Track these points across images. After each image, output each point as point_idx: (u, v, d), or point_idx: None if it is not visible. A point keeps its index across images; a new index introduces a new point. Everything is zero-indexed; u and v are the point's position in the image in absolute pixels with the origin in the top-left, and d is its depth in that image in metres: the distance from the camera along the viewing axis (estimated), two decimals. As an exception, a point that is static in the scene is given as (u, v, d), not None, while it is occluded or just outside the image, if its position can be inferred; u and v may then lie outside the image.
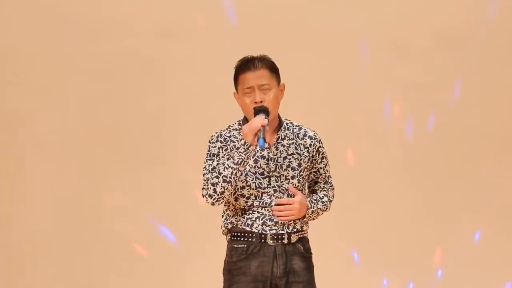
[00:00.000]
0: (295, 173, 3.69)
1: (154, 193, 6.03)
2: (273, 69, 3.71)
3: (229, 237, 3.72)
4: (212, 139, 3.71)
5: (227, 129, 3.75)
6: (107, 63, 6.01)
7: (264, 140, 3.49)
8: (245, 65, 3.68)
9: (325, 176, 3.83)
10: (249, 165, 3.65)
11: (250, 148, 3.55)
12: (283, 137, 3.73)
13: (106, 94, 6.03)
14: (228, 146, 3.68)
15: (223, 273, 3.74)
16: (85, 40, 6.01)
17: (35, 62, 6.03)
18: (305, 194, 3.76)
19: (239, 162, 3.56)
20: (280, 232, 3.66)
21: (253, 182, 3.65)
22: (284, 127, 3.76)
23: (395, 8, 6.06)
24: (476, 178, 6.07)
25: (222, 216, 3.77)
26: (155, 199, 6.04)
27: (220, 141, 3.69)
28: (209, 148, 3.69)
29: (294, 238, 3.69)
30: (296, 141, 3.75)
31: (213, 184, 3.57)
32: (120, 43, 5.99)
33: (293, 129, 3.78)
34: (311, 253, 3.76)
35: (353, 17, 6.03)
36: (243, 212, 3.68)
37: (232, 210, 3.72)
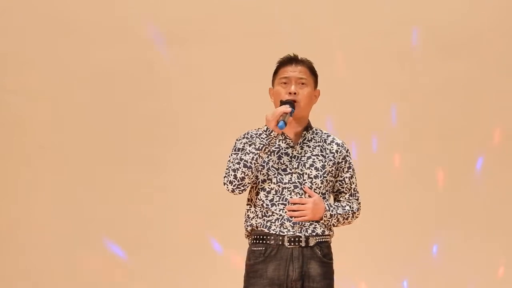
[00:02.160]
0: (318, 173, 3.67)
1: (154, 194, 6.02)
2: (313, 72, 3.76)
3: (250, 240, 3.71)
4: (240, 136, 3.76)
5: (256, 129, 3.76)
6: (108, 67, 6.03)
7: (285, 124, 3.54)
8: (288, 60, 3.74)
9: (351, 187, 3.78)
10: (272, 161, 3.66)
11: (272, 134, 3.57)
12: (309, 138, 3.74)
13: (107, 98, 6.05)
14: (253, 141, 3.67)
15: (244, 276, 3.72)
16: (87, 44, 6.04)
17: (37, 67, 6.06)
18: (328, 201, 3.71)
19: (260, 148, 3.57)
20: (298, 234, 3.62)
21: (275, 177, 3.64)
22: (313, 131, 3.77)
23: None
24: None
25: (244, 218, 3.76)
26: (155, 201, 6.03)
27: (247, 138, 3.72)
28: (235, 144, 3.73)
29: (312, 242, 3.63)
30: (322, 145, 3.75)
31: (234, 170, 3.60)
32: (122, 47, 6.02)
33: (321, 135, 3.79)
34: (331, 259, 3.70)
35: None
36: (263, 214, 3.65)
37: (252, 211, 3.70)
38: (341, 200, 3.78)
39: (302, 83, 3.69)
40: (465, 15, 6.02)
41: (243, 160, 3.58)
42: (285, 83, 3.69)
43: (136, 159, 6.03)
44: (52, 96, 6.03)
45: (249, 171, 3.58)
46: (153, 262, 6.02)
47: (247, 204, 3.74)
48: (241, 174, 3.58)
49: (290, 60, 3.72)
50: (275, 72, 3.75)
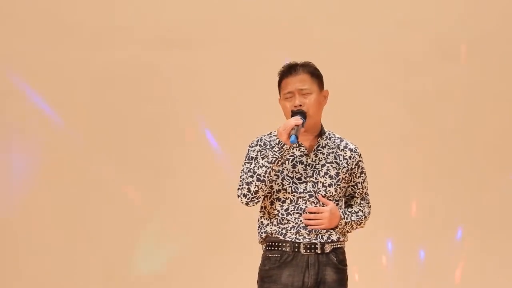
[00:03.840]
0: (332, 181, 3.67)
1: (154, 197, 6.03)
2: (315, 75, 3.71)
3: (264, 247, 3.71)
4: (252, 143, 3.73)
5: (268, 134, 3.75)
6: (108, 71, 6.02)
7: (297, 138, 3.51)
8: (287, 71, 3.70)
9: (362, 192, 3.80)
10: (287, 169, 3.65)
11: (284, 147, 3.55)
12: (323, 145, 3.73)
13: (107, 101, 6.04)
14: (267, 150, 3.66)
15: (257, 282, 3.72)
16: (87, 48, 6.03)
17: (36, 69, 6.03)
18: (341, 206, 3.72)
19: (272, 161, 3.56)
20: (314, 241, 3.63)
21: (289, 186, 3.64)
22: (326, 137, 3.75)
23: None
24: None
25: (257, 224, 3.75)
26: (155, 203, 6.04)
27: (260, 145, 3.70)
28: (248, 151, 3.71)
29: (327, 248, 3.64)
30: (336, 151, 3.74)
31: (247, 184, 3.59)
32: (121, 51, 6.01)
33: (334, 139, 3.77)
34: (345, 265, 3.71)
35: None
36: (278, 222, 3.66)
37: (266, 218, 3.70)
38: (352, 205, 3.79)
39: (306, 93, 3.66)
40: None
41: (256, 174, 3.56)
42: (289, 97, 3.67)
43: (136, 162, 6.02)
44: (51, 99, 6.02)
45: (262, 184, 3.57)
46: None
47: (260, 211, 3.73)
48: (255, 188, 3.58)
49: (289, 70, 3.69)
50: (279, 84, 3.72)
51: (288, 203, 3.64)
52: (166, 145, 6.05)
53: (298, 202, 3.64)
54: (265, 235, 3.68)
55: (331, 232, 3.65)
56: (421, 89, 6.06)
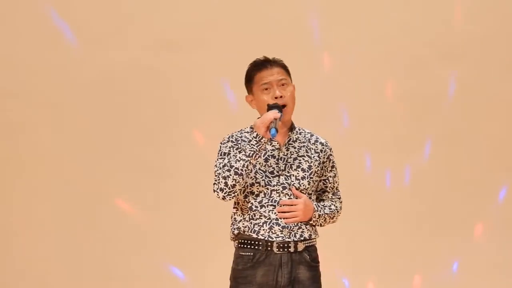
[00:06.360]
0: (305, 174, 3.67)
1: (155, 199, 6.02)
2: (287, 69, 3.74)
3: (236, 244, 3.69)
4: (224, 140, 3.72)
5: (239, 131, 3.75)
6: (107, 74, 6.00)
7: (276, 131, 3.51)
8: (260, 64, 3.70)
9: (334, 186, 3.79)
10: (259, 163, 3.64)
11: (262, 140, 3.55)
12: (294, 139, 3.73)
13: (106, 104, 6.02)
14: (239, 145, 3.66)
15: (230, 279, 3.71)
16: (86, 50, 6.01)
17: (35, 72, 6.01)
18: (313, 200, 3.71)
19: (250, 154, 3.54)
20: (287, 240, 3.61)
21: (262, 180, 3.62)
22: (297, 131, 3.76)
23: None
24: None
25: (231, 221, 3.74)
26: (155, 205, 6.03)
27: (232, 141, 3.69)
28: (220, 147, 3.69)
29: (300, 247, 3.63)
30: (307, 145, 3.74)
31: (224, 178, 3.55)
32: (121, 53, 6.00)
33: (305, 134, 3.78)
34: (318, 262, 3.70)
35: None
36: (251, 217, 3.64)
37: (239, 214, 3.68)
38: (324, 199, 3.78)
39: (283, 84, 3.66)
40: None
41: (233, 168, 3.54)
42: (266, 88, 3.66)
43: (136, 165, 6.00)
44: (51, 102, 6.00)
45: (240, 178, 3.54)
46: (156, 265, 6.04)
47: (234, 208, 3.71)
48: (232, 181, 3.54)
49: (264, 64, 3.69)
50: (251, 79, 3.70)
51: (262, 196, 3.62)
52: (165, 146, 6.03)
53: (271, 195, 3.62)
54: (237, 231, 3.66)
55: (303, 229, 3.64)
56: (421, 89, 6.06)
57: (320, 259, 3.68)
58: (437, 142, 6.09)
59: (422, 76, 6.06)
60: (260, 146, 3.54)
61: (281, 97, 3.62)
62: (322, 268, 3.68)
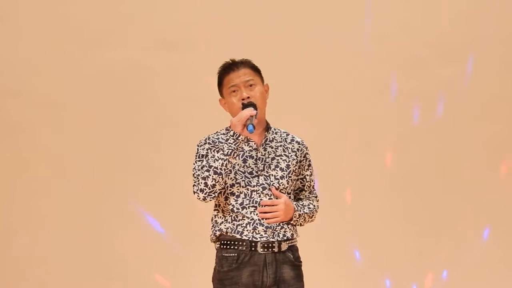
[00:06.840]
0: (283, 173, 3.68)
1: (154, 200, 6.02)
2: (256, 69, 3.76)
3: (218, 245, 3.67)
4: (200, 142, 3.72)
5: (214, 133, 3.76)
6: (107, 74, 6.01)
7: (254, 127, 3.52)
8: (227, 68, 3.74)
9: (310, 185, 3.82)
10: (238, 164, 3.65)
11: (239, 138, 3.56)
12: (271, 139, 3.75)
13: (106, 104, 6.03)
14: (217, 147, 3.66)
15: (212, 281, 3.69)
16: (85, 51, 6.01)
17: (36, 71, 6.01)
18: (292, 200, 3.73)
19: (229, 153, 3.55)
20: (271, 240, 3.62)
21: (243, 180, 3.63)
22: (272, 131, 3.78)
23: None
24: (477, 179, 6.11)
25: (211, 223, 3.72)
26: (155, 206, 6.03)
27: (208, 143, 3.70)
28: (198, 150, 3.70)
29: (284, 247, 3.64)
30: (284, 144, 3.76)
31: (203, 178, 3.55)
32: (120, 54, 6.00)
33: (281, 134, 3.80)
34: (301, 262, 3.72)
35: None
36: (233, 219, 3.63)
37: (220, 216, 3.67)
38: (301, 198, 3.80)
39: (251, 85, 3.68)
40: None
41: (212, 167, 3.53)
42: (234, 91, 3.69)
43: (136, 165, 6.00)
44: (50, 102, 5.99)
45: (219, 177, 3.54)
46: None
47: (215, 210, 3.70)
48: (212, 181, 3.54)
49: (230, 66, 3.72)
50: (220, 83, 3.74)
51: (243, 197, 3.62)
52: (165, 146, 6.02)
53: (252, 196, 3.63)
54: (219, 233, 3.65)
55: (286, 229, 3.65)
56: (421, 89, 6.06)
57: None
58: (437, 142, 6.10)
59: (422, 76, 6.06)
60: (237, 144, 3.55)
61: (248, 97, 3.64)
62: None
